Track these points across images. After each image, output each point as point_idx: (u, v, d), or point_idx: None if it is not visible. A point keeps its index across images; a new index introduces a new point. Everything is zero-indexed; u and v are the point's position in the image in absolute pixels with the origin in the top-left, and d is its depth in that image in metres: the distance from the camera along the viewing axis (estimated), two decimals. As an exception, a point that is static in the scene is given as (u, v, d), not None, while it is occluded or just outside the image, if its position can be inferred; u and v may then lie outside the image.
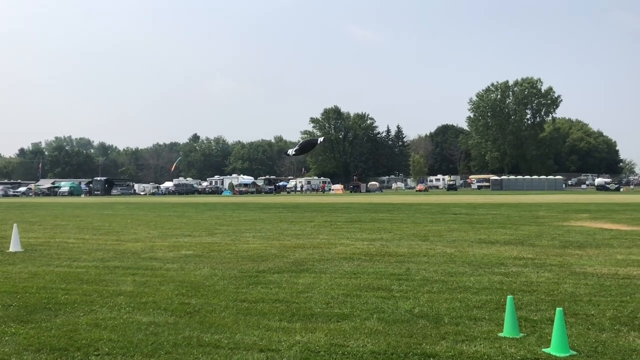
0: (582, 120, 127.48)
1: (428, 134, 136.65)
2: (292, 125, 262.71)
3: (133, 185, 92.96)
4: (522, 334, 4.98)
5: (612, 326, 5.24)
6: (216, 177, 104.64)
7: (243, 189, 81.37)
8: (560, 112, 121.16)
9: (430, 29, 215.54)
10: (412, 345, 4.73)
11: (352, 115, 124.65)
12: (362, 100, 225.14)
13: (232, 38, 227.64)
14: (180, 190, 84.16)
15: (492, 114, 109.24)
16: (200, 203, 38.96)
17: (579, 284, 7.18)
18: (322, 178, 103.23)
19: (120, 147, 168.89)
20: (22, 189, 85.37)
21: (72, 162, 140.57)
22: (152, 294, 6.80)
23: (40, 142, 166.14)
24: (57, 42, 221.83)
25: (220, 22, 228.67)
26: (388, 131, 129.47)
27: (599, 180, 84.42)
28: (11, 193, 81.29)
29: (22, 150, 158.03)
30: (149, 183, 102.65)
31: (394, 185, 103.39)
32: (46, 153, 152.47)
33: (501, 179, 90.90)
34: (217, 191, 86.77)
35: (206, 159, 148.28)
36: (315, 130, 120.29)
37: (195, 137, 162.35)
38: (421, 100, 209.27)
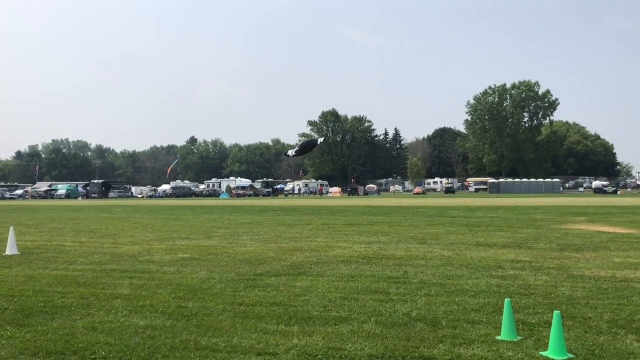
0: (580, 123, 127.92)
1: (426, 137, 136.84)
2: (290, 128, 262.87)
3: (130, 188, 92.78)
4: (519, 337, 4.98)
5: (610, 329, 5.24)
6: (213, 179, 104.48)
7: (240, 192, 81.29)
8: (558, 115, 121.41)
9: (428, 32, 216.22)
10: (409, 349, 4.73)
11: (349, 118, 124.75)
12: (359, 103, 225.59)
13: (229, 41, 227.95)
14: (177, 193, 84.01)
15: (490, 117, 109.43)
16: (198, 206, 38.92)
17: (576, 287, 7.19)
18: (319, 181, 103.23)
19: (118, 150, 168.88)
20: (19, 191, 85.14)
21: (69, 164, 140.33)
22: (149, 297, 6.78)
23: (37, 145, 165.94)
24: (55, 45, 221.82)
25: (218, 24, 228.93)
26: (386, 134, 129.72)
27: (596, 183, 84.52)
28: (7, 196, 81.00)
29: (18, 153, 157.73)
30: (146, 186, 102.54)
31: (391, 188, 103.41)
32: (43, 155, 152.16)
33: (499, 182, 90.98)
34: (214, 194, 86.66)
35: (203, 162, 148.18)
36: (313, 133, 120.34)
37: (193, 140, 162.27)
38: (419, 103, 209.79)
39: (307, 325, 5.48)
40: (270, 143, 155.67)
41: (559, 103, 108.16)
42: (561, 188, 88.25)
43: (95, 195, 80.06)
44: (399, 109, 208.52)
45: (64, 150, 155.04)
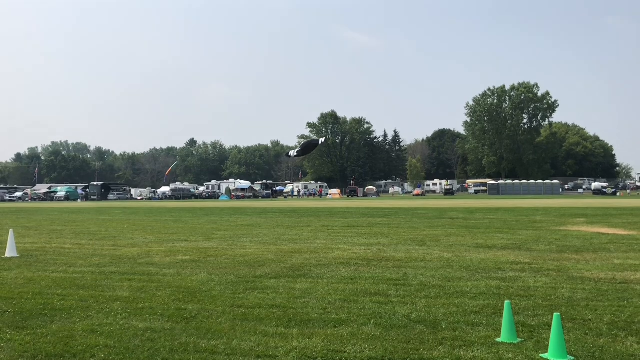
0: (579, 124, 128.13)
1: (425, 139, 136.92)
2: (289, 130, 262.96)
3: (130, 190, 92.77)
4: (519, 339, 4.98)
5: (610, 331, 5.24)
6: (213, 181, 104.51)
7: (240, 194, 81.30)
8: (557, 117, 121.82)
9: (427, 33, 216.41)
10: (409, 351, 4.72)
11: (349, 119, 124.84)
12: (359, 104, 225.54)
13: (228, 43, 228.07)
14: (177, 195, 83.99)
15: (489, 118, 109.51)
16: (197, 208, 38.90)
17: (576, 289, 7.18)
18: (319, 183, 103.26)
19: (117, 152, 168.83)
20: (18, 194, 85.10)
21: (69, 167, 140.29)
22: (148, 300, 6.78)
23: (36, 147, 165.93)
24: (53, 46, 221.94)
25: (217, 27, 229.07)
26: (385, 136, 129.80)
27: (595, 185, 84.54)
28: (7, 198, 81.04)
29: (18, 155, 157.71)
30: (145, 188, 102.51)
31: (391, 190, 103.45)
32: (43, 158, 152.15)
33: (498, 184, 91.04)
34: (214, 196, 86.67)
35: (203, 164, 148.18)
36: (312, 135, 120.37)
37: (192, 142, 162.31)
38: (418, 105, 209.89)
39: (306, 327, 5.48)
40: (270, 145, 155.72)
41: (558, 105, 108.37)
42: (560, 189, 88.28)
43: (95, 197, 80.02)
44: (398, 111, 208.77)
45: (63, 153, 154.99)
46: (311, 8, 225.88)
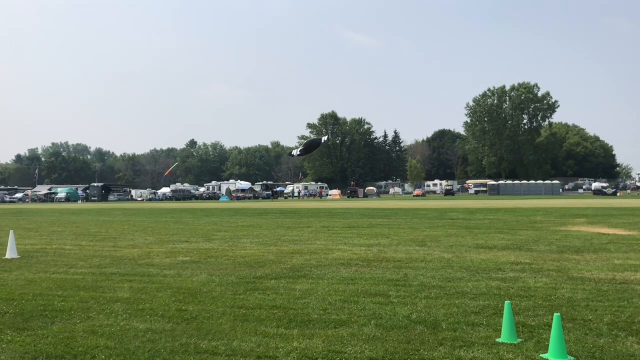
0: (579, 124, 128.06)
1: (425, 139, 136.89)
2: (289, 130, 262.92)
3: (130, 191, 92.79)
4: (519, 340, 4.98)
5: (610, 331, 5.24)
6: (213, 182, 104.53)
7: (240, 195, 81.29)
8: (557, 117, 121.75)
9: (427, 34, 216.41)
10: (409, 351, 4.73)
11: (349, 120, 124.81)
12: (359, 105, 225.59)
13: (228, 44, 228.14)
14: (177, 196, 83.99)
15: (489, 118, 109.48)
16: (198, 209, 38.91)
17: (576, 289, 7.19)
18: (319, 183, 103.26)
19: (117, 153, 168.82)
20: (19, 195, 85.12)
21: (69, 168, 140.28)
22: (149, 301, 6.78)
23: (36, 148, 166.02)
24: (53, 47, 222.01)
25: (217, 28, 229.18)
26: (385, 136, 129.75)
27: (595, 185, 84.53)
28: (7, 199, 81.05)
29: (18, 156, 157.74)
30: (146, 189, 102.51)
31: (391, 191, 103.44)
32: (43, 159, 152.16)
33: (498, 184, 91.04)
34: (214, 197, 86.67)
35: (203, 165, 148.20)
36: (312, 136, 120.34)
37: (193, 143, 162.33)
38: (418, 105, 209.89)
39: (307, 328, 5.48)
40: (270, 146, 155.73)
41: (558, 105, 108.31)
42: (561, 190, 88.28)
43: (95, 198, 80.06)
44: (398, 111, 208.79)
45: (63, 154, 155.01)
46: (311, 9, 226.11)
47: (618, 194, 75.48)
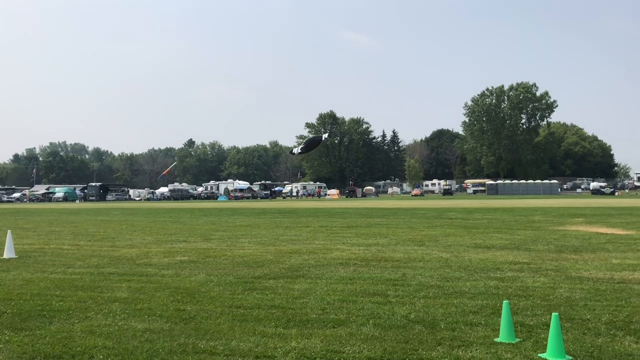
0: (577, 124, 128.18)
1: (423, 139, 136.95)
2: (288, 130, 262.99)
3: (128, 191, 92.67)
4: (518, 339, 4.98)
5: (608, 331, 5.25)
6: (211, 182, 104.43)
7: (239, 194, 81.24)
8: (555, 117, 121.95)
9: (426, 33, 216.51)
10: (408, 351, 4.73)
11: (347, 120, 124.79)
12: (357, 105, 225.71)
13: (227, 43, 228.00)
14: (175, 196, 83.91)
15: (488, 118, 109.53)
16: (196, 208, 38.88)
17: (574, 289, 7.20)
18: (317, 183, 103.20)
19: (116, 153, 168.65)
20: (16, 194, 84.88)
21: (67, 167, 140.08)
22: (147, 301, 6.77)
23: (34, 148, 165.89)
24: (51, 47, 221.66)
25: (215, 27, 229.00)
26: (384, 136, 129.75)
27: (594, 185, 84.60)
28: (5, 199, 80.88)
29: (16, 156, 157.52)
30: (144, 188, 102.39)
31: (389, 190, 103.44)
32: (40, 159, 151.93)
33: (497, 184, 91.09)
34: (212, 196, 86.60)
35: (201, 164, 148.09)
36: (311, 135, 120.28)
37: (191, 142, 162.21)
38: (416, 105, 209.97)
39: (305, 328, 5.48)
40: (268, 145, 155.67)
41: (557, 105, 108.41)
42: (559, 189, 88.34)
43: (93, 198, 79.94)
44: (397, 111, 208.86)
45: (61, 153, 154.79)
46: (309, 8, 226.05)
47: (616, 193, 75.58)
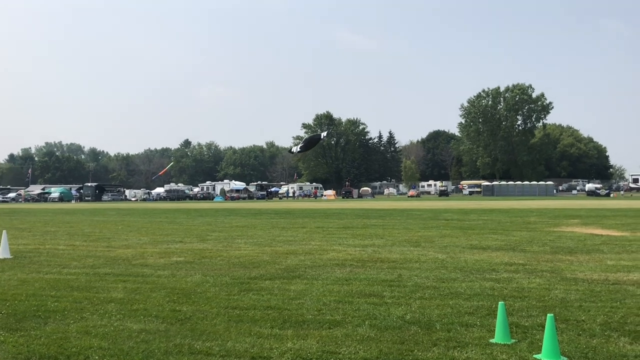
0: (573, 126, 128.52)
1: (420, 140, 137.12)
2: (284, 131, 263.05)
3: (124, 191, 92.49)
4: (513, 340, 5.00)
5: (603, 332, 5.27)
6: (208, 182, 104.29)
7: (235, 195, 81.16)
8: (551, 118, 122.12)
9: (422, 35, 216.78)
10: (403, 352, 4.74)
11: (344, 121, 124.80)
12: (354, 105, 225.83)
13: (224, 43, 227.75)
14: (171, 196, 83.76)
15: (484, 120, 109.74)
16: (192, 209, 38.83)
17: (569, 290, 7.22)
18: (314, 184, 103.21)
19: (112, 153, 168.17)
20: (12, 194, 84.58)
21: (63, 167, 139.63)
22: (143, 301, 6.76)
23: (30, 148, 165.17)
24: (47, 47, 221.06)
25: (212, 27, 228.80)
26: (380, 137, 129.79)
27: (589, 186, 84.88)
28: (0, 199, 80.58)
29: (11, 156, 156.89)
30: (140, 189, 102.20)
31: (386, 191, 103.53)
32: (36, 158, 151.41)
33: (492, 185, 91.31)
34: (208, 197, 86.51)
35: (198, 165, 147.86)
36: (307, 136, 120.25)
37: (187, 143, 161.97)
38: (413, 106, 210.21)
39: (301, 328, 5.49)
40: (265, 146, 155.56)
41: (552, 106, 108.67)
42: (555, 191, 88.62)
43: (89, 198, 79.76)
44: (393, 112, 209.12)
45: (57, 153, 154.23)
46: (306, 9, 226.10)
47: (611, 195, 75.82)
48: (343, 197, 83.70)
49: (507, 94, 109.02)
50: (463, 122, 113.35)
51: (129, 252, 11.95)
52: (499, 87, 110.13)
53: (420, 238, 14.39)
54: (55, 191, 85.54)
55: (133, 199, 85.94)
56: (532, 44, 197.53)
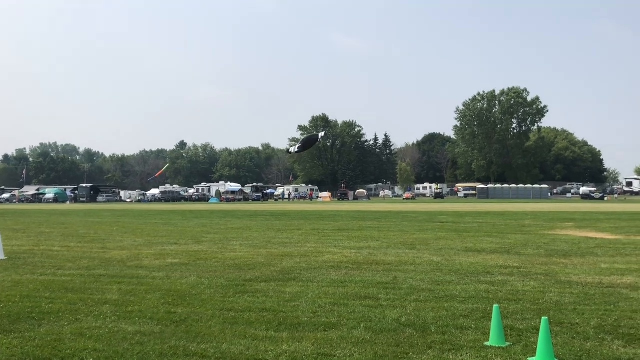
0: (568, 129, 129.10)
1: (415, 142, 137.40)
2: (280, 132, 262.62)
3: (119, 192, 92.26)
4: (508, 343, 5.01)
5: (597, 335, 5.29)
6: (203, 184, 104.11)
7: (230, 197, 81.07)
8: (546, 122, 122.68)
9: (418, 38, 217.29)
10: (399, 355, 4.75)
11: (340, 123, 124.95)
12: (350, 108, 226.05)
13: (218, 45, 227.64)
14: (166, 198, 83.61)
15: (479, 123, 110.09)
16: (187, 210, 38.75)
17: (564, 293, 7.25)
18: (309, 186, 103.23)
19: (107, 154, 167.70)
20: (6, 195, 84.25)
21: (58, 168, 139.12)
22: (138, 303, 6.75)
23: (24, 148, 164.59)
24: (42, 47, 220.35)
25: (207, 29, 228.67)
26: (376, 139, 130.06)
27: (583, 189, 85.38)
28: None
29: (6, 156, 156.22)
30: (135, 190, 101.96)
31: (381, 193, 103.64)
32: (31, 159, 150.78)
33: (487, 188, 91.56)
34: (204, 198, 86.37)
35: (193, 166, 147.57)
36: (304, 137, 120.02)
37: (183, 144, 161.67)
38: (408, 109, 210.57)
39: (296, 331, 5.48)
40: (261, 148, 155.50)
41: (547, 110, 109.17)
42: (549, 194, 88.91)
43: (84, 199, 79.52)
44: (389, 115, 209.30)
45: (52, 154, 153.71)
46: (301, 11, 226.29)
47: (605, 198, 76.14)
48: (338, 199, 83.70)
49: (502, 97, 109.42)
50: (458, 125, 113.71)
51: (124, 253, 11.92)
52: (494, 91, 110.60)
53: (415, 240, 14.41)
54: (49, 192, 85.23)
55: (128, 200, 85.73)
56: (527, 48, 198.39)
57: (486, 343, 5.03)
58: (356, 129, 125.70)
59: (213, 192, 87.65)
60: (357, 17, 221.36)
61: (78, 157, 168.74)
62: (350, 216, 28.06)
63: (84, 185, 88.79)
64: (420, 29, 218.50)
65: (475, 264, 9.89)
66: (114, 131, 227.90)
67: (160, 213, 34.20)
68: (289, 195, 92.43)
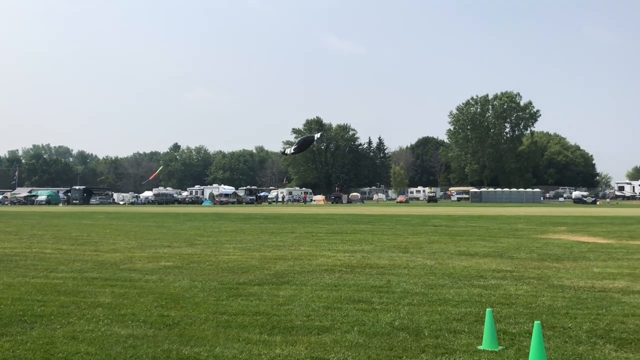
0: (560, 134, 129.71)
1: (409, 146, 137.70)
2: (274, 135, 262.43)
3: (112, 195, 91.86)
4: (500, 347, 5.03)
5: (589, 339, 5.32)
6: (197, 187, 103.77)
7: (224, 199, 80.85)
8: (539, 126, 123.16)
9: (412, 42, 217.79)
10: (392, 358, 4.75)
11: (334, 126, 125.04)
12: (344, 111, 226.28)
13: (213, 48, 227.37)
14: (160, 200, 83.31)
15: (472, 127, 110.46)
16: (180, 213, 38.64)
17: (556, 297, 7.28)
18: (303, 189, 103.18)
19: (100, 156, 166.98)
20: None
21: (50, 170, 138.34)
22: (130, 306, 6.72)
23: (17, 150, 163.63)
24: (36, 48, 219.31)
25: (202, 31, 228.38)
26: (370, 143, 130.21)
27: (576, 194, 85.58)
28: (-14, 201, 79.65)
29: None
30: (128, 192, 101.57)
31: (375, 197, 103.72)
32: (23, 161, 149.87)
33: (480, 192, 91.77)
34: (197, 201, 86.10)
35: (187, 169, 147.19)
36: (299, 138, 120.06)
37: (176, 147, 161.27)
38: (402, 113, 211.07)
39: (290, 334, 5.48)
40: (254, 151, 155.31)
41: (540, 114, 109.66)
42: (542, 198, 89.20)
43: (77, 201, 79.11)
44: (383, 118, 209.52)
45: (45, 156, 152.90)
46: (296, 14, 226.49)
47: (597, 202, 76.53)
48: (332, 203, 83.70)
49: (495, 102, 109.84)
50: (452, 129, 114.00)
51: (117, 256, 11.87)
52: (487, 95, 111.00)
53: (409, 244, 14.44)
54: (42, 194, 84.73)
55: (121, 203, 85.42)
56: (520, 53, 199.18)
57: (479, 347, 5.04)
58: (350, 133, 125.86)
59: (206, 195, 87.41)
60: (351, 21, 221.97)
61: (71, 159, 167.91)
62: (344, 219, 28.07)
63: (77, 187, 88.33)
64: (415, 33, 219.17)
65: (469, 268, 9.92)
66: (107, 133, 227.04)
67: (154, 215, 34.09)
68: (283, 198, 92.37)
